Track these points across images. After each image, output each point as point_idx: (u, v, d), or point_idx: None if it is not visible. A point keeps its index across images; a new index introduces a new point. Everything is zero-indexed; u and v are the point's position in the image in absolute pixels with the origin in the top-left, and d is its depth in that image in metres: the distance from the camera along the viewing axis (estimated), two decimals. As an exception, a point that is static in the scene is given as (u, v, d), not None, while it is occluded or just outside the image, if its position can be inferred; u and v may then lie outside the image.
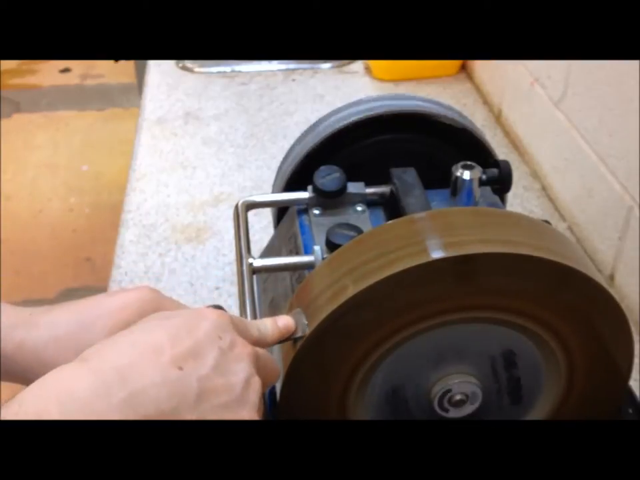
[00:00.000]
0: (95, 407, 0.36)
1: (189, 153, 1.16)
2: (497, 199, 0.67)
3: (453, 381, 0.52)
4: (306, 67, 1.40)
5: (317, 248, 0.59)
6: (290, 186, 0.71)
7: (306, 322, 0.49)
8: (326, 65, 1.41)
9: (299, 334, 0.49)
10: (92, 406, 0.36)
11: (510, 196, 0.74)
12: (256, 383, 0.43)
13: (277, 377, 0.49)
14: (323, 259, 0.58)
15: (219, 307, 0.49)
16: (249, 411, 0.42)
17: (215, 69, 1.39)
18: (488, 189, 0.67)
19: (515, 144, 1.17)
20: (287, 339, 0.50)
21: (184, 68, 1.40)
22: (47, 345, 0.47)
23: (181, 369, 0.39)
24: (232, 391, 0.41)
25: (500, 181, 0.67)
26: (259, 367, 0.45)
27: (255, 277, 0.61)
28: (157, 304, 0.49)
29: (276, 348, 0.53)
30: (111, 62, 3.08)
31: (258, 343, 0.48)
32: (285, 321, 0.50)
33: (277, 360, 0.54)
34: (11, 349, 0.46)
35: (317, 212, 0.65)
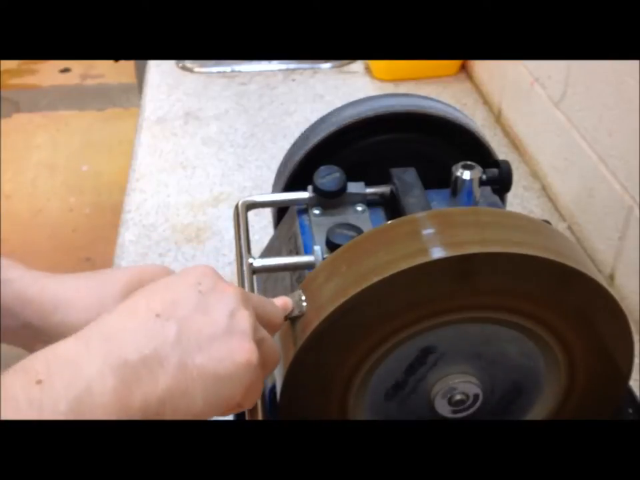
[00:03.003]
0: (76, 358, 0.37)
1: (188, 152, 1.16)
2: (497, 198, 0.67)
3: (453, 380, 0.52)
4: (306, 67, 1.40)
5: (317, 248, 0.59)
6: (290, 186, 0.71)
7: (304, 298, 0.50)
8: (326, 65, 1.41)
9: (296, 313, 0.50)
10: (74, 358, 0.37)
11: (510, 196, 0.74)
12: (242, 315, 0.43)
13: (279, 319, 0.49)
14: (323, 259, 0.58)
15: None
16: (238, 339, 0.42)
17: (215, 69, 1.40)
18: (488, 188, 0.67)
19: (515, 144, 1.17)
20: (285, 318, 0.50)
21: (184, 68, 1.40)
22: (66, 290, 0.51)
23: (158, 315, 0.40)
24: (216, 324, 0.42)
25: (500, 181, 0.67)
26: (255, 307, 0.45)
27: (254, 276, 0.61)
28: (168, 275, 0.52)
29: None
30: (110, 62, 3.08)
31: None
32: (282, 301, 0.50)
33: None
34: (34, 292, 0.51)
35: (317, 212, 0.65)
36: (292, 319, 0.50)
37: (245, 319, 0.43)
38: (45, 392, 0.35)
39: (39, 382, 0.35)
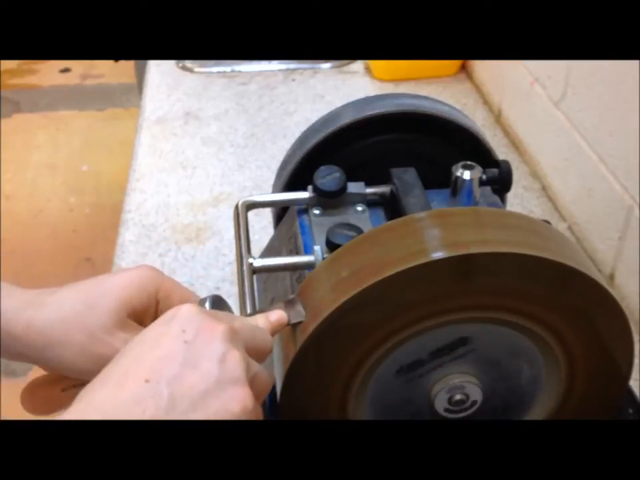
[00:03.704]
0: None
1: (189, 153, 1.16)
2: (497, 198, 0.67)
3: (453, 380, 0.52)
4: (306, 67, 1.40)
5: (317, 248, 0.59)
6: (290, 186, 0.71)
7: (301, 308, 0.50)
8: (326, 65, 1.41)
9: (294, 321, 0.50)
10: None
11: (510, 196, 0.74)
12: (233, 357, 0.42)
13: (269, 347, 0.48)
14: (323, 258, 0.58)
15: (218, 297, 0.50)
16: (231, 387, 0.41)
17: (215, 69, 1.39)
18: (488, 188, 0.67)
19: (515, 144, 1.17)
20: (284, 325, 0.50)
21: (184, 68, 1.40)
22: (54, 325, 0.48)
23: (147, 381, 0.39)
24: (207, 378, 0.40)
25: (500, 181, 0.67)
26: (245, 340, 0.44)
27: (255, 276, 0.61)
28: (157, 282, 0.51)
29: (276, 347, 0.53)
30: (110, 62, 3.08)
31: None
32: (277, 315, 0.50)
33: (278, 361, 0.54)
34: (20, 330, 0.48)
35: (317, 212, 0.65)
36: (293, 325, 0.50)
37: (235, 363, 0.42)
38: None
39: None
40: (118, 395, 0.39)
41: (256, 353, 0.45)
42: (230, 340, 0.43)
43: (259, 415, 0.43)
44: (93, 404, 0.39)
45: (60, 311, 0.49)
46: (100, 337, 0.48)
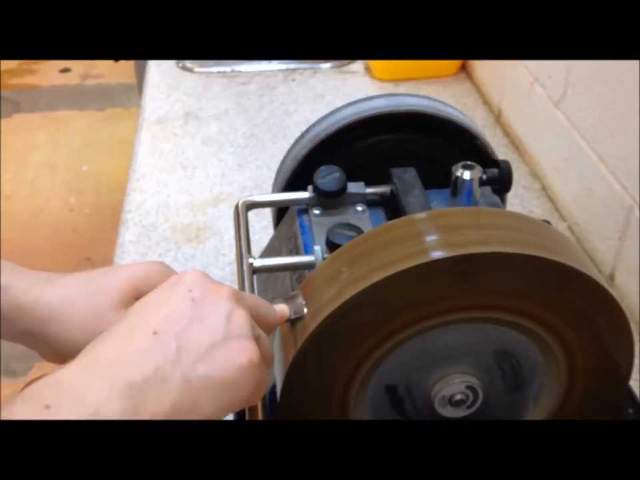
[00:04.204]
0: (82, 387, 0.37)
1: (189, 153, 1.16)
2: (497, 198, 0.67)
3: (453, 380, 0.52)
4: (306, 66, 1.40)
5: (317, 248, 0.59)
6: (290, 186, 0.71)
7: (303, 302, 0.50)
8: (326, 65, 1.41)
9: (295, 316, 0.50)
10: (80, 387, 0.37)
11: (510, 196, 0.74)
12: (239, 315, 0.43)
13: (273, 318, 0.49)
14: (323, 258, 0.58)
15: None
16: (238, 341, 0.42)
17: (215, 69, 1.40)
18: (488, 188, 0.67)
19: (515, 144, 1.17)
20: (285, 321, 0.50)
21: (184, 68, 1.40)
22: (61, 303, 0.50)
23: (155, 333, 0.40)
24: (214, 332, 0.42)
25: (500, 181, 0.67)
26: (249, 307, 0.45)
27: (255, 276, 0.61)
28: (165, 276, 0.51)
29: (276, 347, 0.53)
30: (110, 62, 3.08)
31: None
32: (279, 308, 0.50)
33: (278, 360, 0.54)
34: (29, 303, 0.50)
35: (317, 212, 0.65)
36: (292, 320, 0.50)
37: (241, 319, 0.43)
38: (53, 415, 0.35)
39: (47, 407, 0.36)
40: (125, 346, 0.40)
41: (260, 323, 0.46)
42: (235, 300, 0.44)
43: (264, 374, 0.44)
44: (100, 356, 0.39)
45: (68, 290, 0.51)
46: (106, 315, 0.49)
